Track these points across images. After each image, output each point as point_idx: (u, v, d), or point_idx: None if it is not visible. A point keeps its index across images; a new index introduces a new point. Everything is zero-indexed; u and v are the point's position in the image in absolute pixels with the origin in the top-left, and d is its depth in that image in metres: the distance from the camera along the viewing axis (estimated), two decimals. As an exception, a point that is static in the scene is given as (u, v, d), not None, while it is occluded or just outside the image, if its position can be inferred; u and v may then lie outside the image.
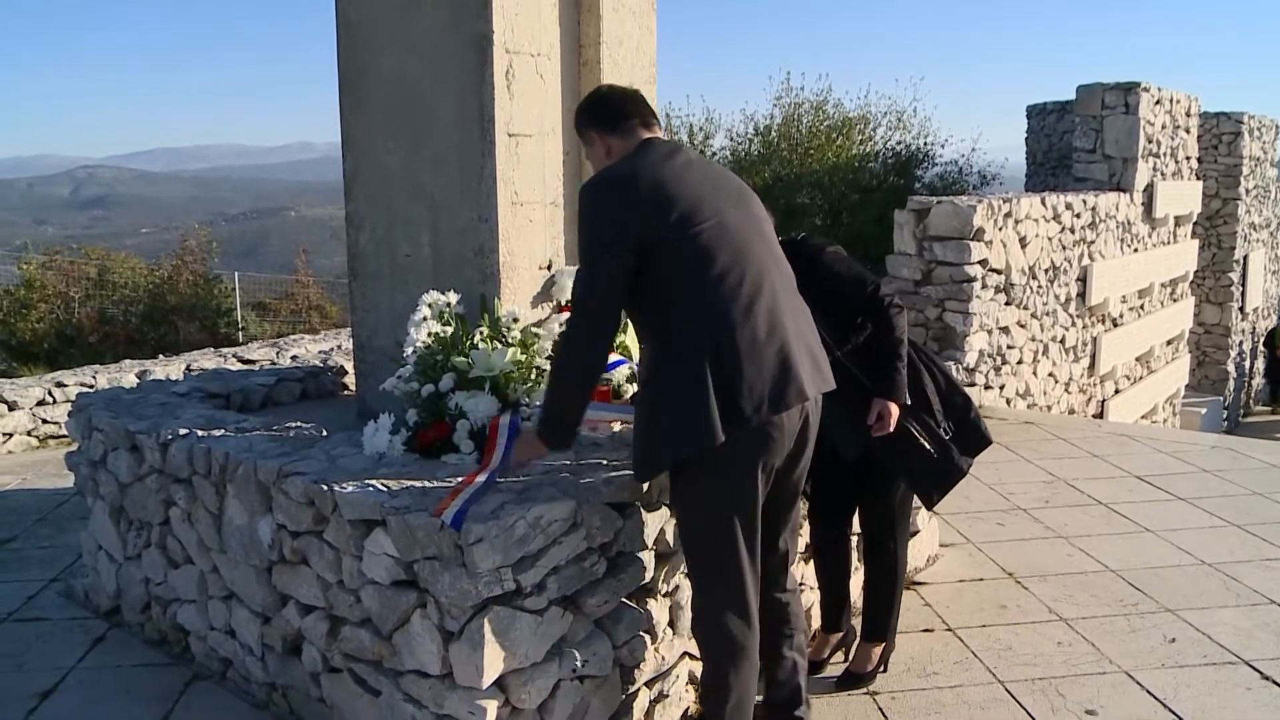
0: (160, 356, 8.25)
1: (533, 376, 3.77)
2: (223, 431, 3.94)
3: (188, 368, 6.65)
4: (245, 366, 5.34)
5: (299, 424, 4.01)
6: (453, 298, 3.81)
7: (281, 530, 3.44)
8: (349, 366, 5.23)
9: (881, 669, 3.98)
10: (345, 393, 5.25)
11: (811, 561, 4.13)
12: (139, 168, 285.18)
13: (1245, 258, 18.24)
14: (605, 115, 3.21)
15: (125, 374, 6.89)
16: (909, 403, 3.66)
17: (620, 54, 4.31)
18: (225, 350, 7.14)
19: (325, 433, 3.90)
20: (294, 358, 5.51)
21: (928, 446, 3.71)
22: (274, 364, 5.43)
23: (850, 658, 4.03)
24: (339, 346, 5.73)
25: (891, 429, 3.61)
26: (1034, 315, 9.54)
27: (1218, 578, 5.01)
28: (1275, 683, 3.99)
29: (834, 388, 3.11)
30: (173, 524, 4.02)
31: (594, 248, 2.94)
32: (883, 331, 3.64)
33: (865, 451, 3.79)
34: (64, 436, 7.80)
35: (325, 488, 3.21)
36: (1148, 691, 3.89)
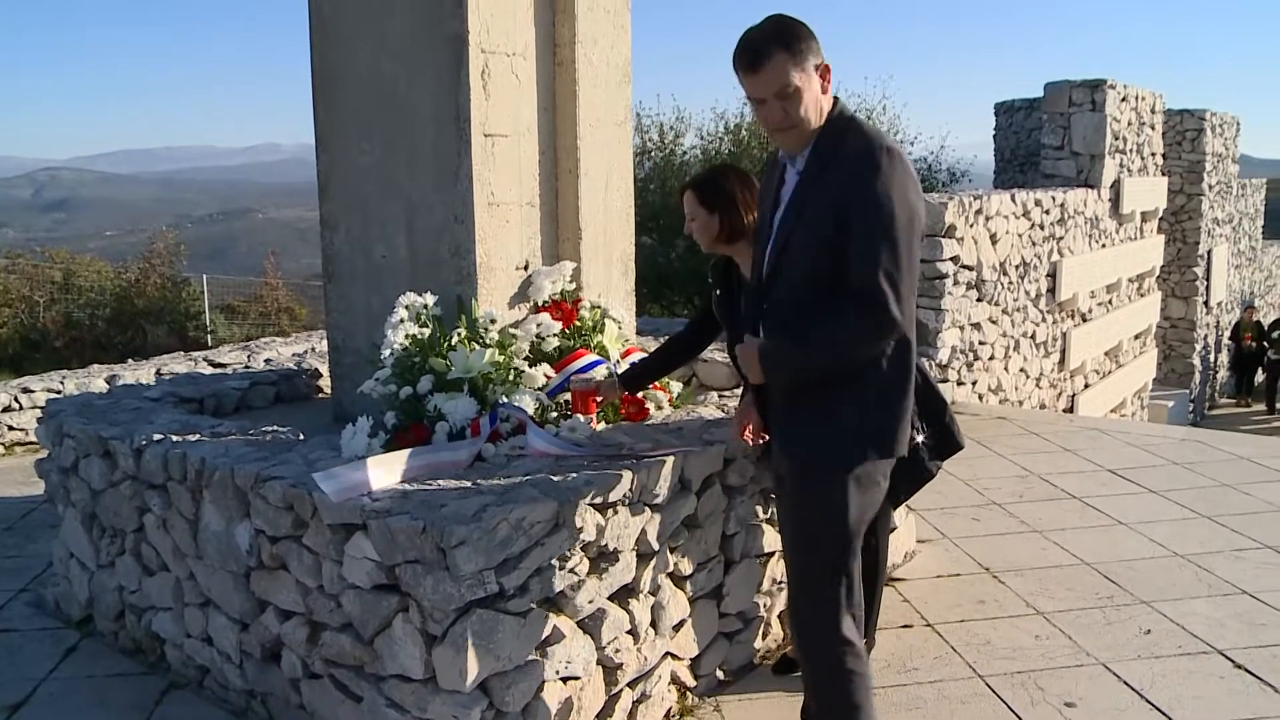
0: (129, 361, 8.17)
1: (510, 378, 3.76)
2: (198, 436, 3.91)
3: (158, 372, 6.58)
4: (217, 370, 5.29)
5: (275, 428, 3.99)
6: (429, 299, 3.80)
7: (260, 535, 3.42)
8: (323, 369, 5.20)
9: None
10: (320, 395, 5.21)
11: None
12: (102, 169, 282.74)
13: (1209, 252, 18.43)
14: (816, 47, 2.76)
15: (94, 379, 6.82)
16: None
17: (595, 53, 4.30)
18: (195, 354, 7.09)
19: (302, 436, 3.87)
20: (267, 361, 5.47)
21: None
22: (247, 367, 5.40)
23: None
24: (313, 349, 5.69)
25: None
26: (1005, 311, 9.60)
27: (1190, 569, 5.06)
28: (1247, 671, 4.03)
29: None
30: (147, 531, 3.98)
31: (904, 225, 2.69)
32: None
33: None
34: (31, 443, 7.71)
35: (304, 492, 3.19)
36: (1125, 683, 3.92)
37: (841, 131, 2.79)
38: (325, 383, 5.16)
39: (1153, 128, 13.43)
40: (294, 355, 5.59)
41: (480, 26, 3.84)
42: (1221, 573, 5.00)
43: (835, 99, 2.84)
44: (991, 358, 9.39)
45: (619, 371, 4.02)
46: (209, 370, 5.33)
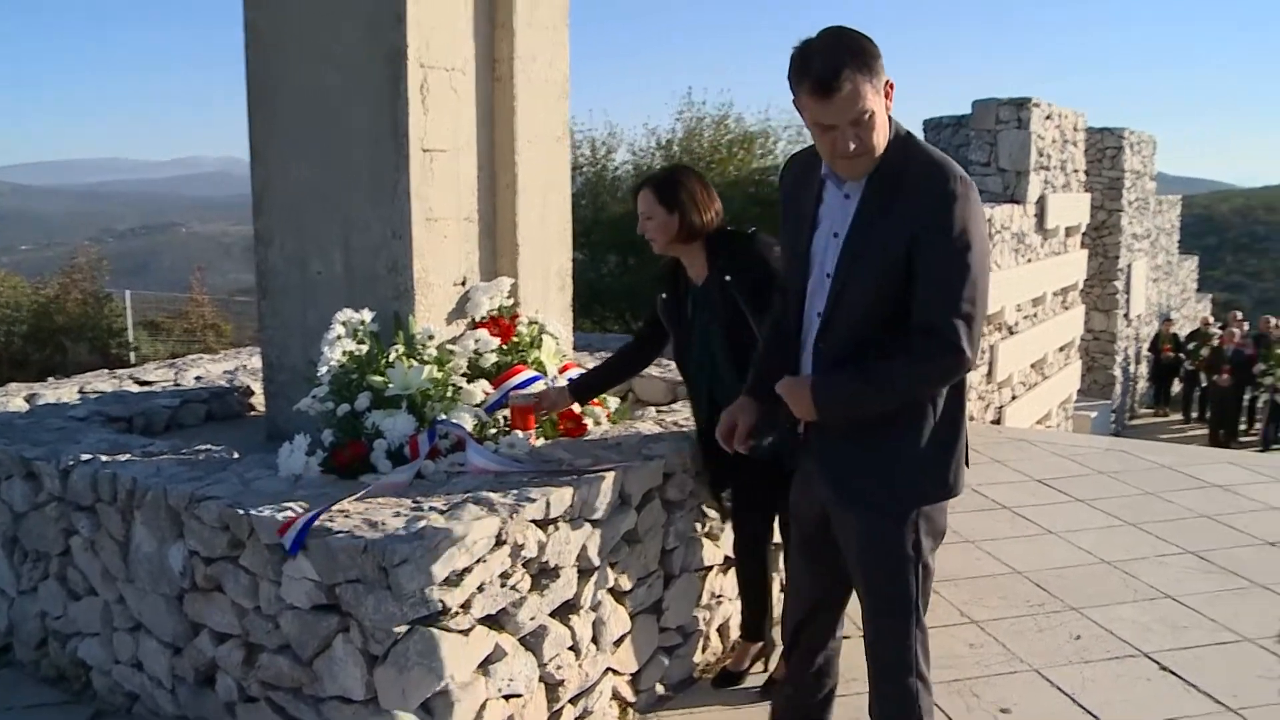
0: (50, 379, 7.98)
1: (449, 394, 3.74)
2: (128, 456, 3.82)
3: (81, 390, 6.43)
4: (144, 388, 5.18)
5: (208, 447, 3.92)
6: (367, 315, 3.77)
7: (194, 557, 3.35)
8: (256, 386, 5.13)
9: None
10: (253, 413, 5.14)
11: (733, 571, 4.16)
12: (16, 181, 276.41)
13: (1129, 266, 18.85)
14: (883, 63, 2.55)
15: (12, 398, 6.62)
16: None
17: (534, 70, 4.31)
18: (120, 371, 6.92)
19: (237, 455, 3.81)
20: (198, 378, 5.37)
21: None
22: (176, 385, 5.28)
23: (768, 668, 4.05)
24: (244, 366, 5.60)
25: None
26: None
27: (1117, 575, 5.17)
28: (1172, 673, 4.15)
29: None
30: (74, 554, 3.88)
31: (979, 261, 2.57)
32: None
33: (777, 451, 3.78)
34: (-52, 463, 7.49)
35: (241, 511, 3.14)
36: (1058, 688, 4.00)
37: (904, 154, 2.62)
38: (258, 400, 5.09)
39: (1075, 145, 13.72)
40: (225, 372, 5.50)
41: (420, 41, 3.83)
42: (1146, 578, 5.12)
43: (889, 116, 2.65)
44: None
45: (562, 383, 4.03)
46: (136, 388, 5.21)
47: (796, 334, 2.84)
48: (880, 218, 2.60)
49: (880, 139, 2.56)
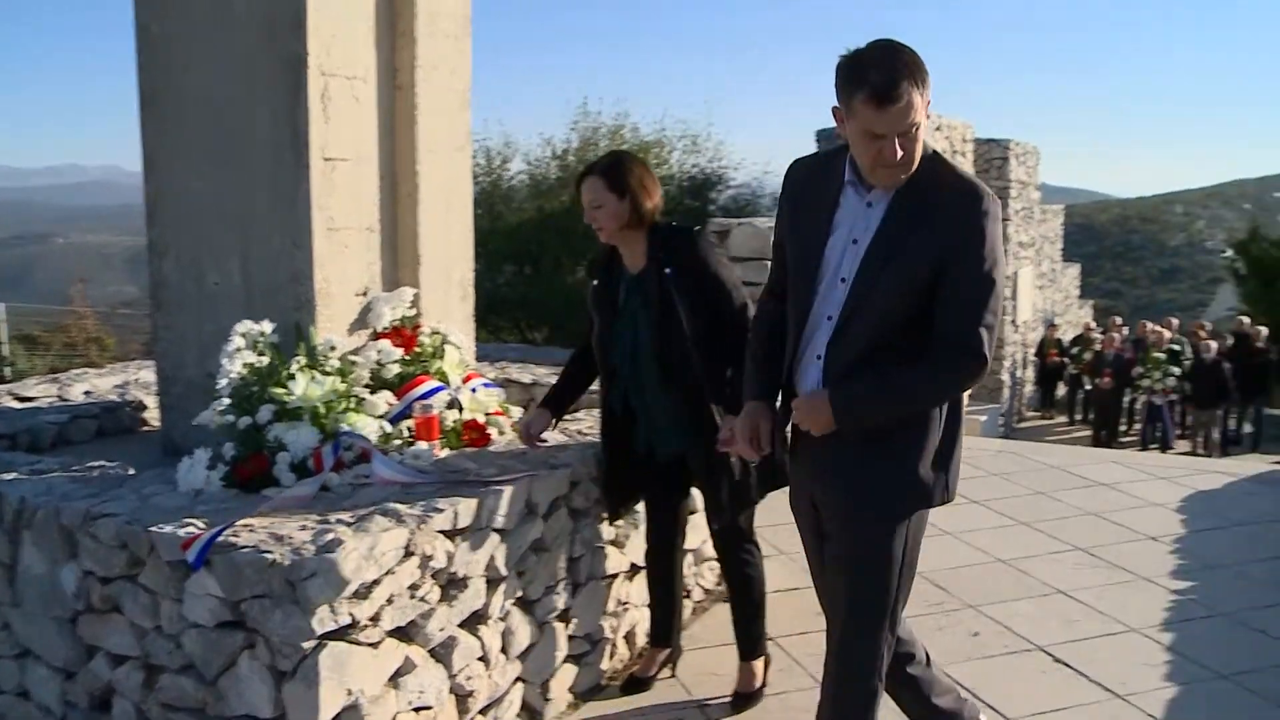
0: (-77, 396, 7.67)
1: (352, 406, 3.71)
2: (14, 474, 3.68)
3: (-42, 407, 6.21)
4: (26, 404, 5.02)
5: (102, 463, 3.81)
6: (267, 326, 3.71)
7: (89, 577, 3.25)
8: (149, 400, 5.00)
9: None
10: (146, 428, 5.01)
11: (639, 578, 4.17)
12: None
13: (1016, 274, 19.37)
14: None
15: (-115, 415, 6.38)
16: None
17: (436, 78, 4.28)
18: (-1, 388, 6.71)
19: (132, 471, 3.71)
20: (86, 393, 5.22)
21: (737, 467, 3.73)
22: (61, 400, 5.13)
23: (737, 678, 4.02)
24: (136, 380, 5.45)
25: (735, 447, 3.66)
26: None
27: (1012, 573, 5.32)
28: (1066, 664, 4.30)
29: None
30: (-47, 579, 3.73)
31: (1001, 274, 2.67)
32: (741, 350, 3.67)
33: (680, 453, 3.80)
34: None
35: (140, 528, 3.06)
36: (958, 683, 4.07)
37: (934, 170, 2.68)
38: (152, 415, 4.96)
39: (964, 155, 14.09)
40: (115, 387, 5.35)
41: (320, 48, 3.78)
42: (1040, 575, 5.28)
43: None
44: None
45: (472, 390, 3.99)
46: (17, 404, 5.04)
47: (796, 336, 2.87)
48: (910, 229, 2.65)
49: (919, 152, 2.63)
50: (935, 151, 2.71)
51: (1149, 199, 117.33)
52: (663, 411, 3.75)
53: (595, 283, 3.82)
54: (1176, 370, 17.04)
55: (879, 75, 2.50)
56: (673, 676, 4.09)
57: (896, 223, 2.67)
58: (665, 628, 4.10)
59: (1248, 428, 18.06)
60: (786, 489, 3.28)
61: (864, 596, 2.88)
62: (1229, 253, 31.18)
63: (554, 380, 5.12)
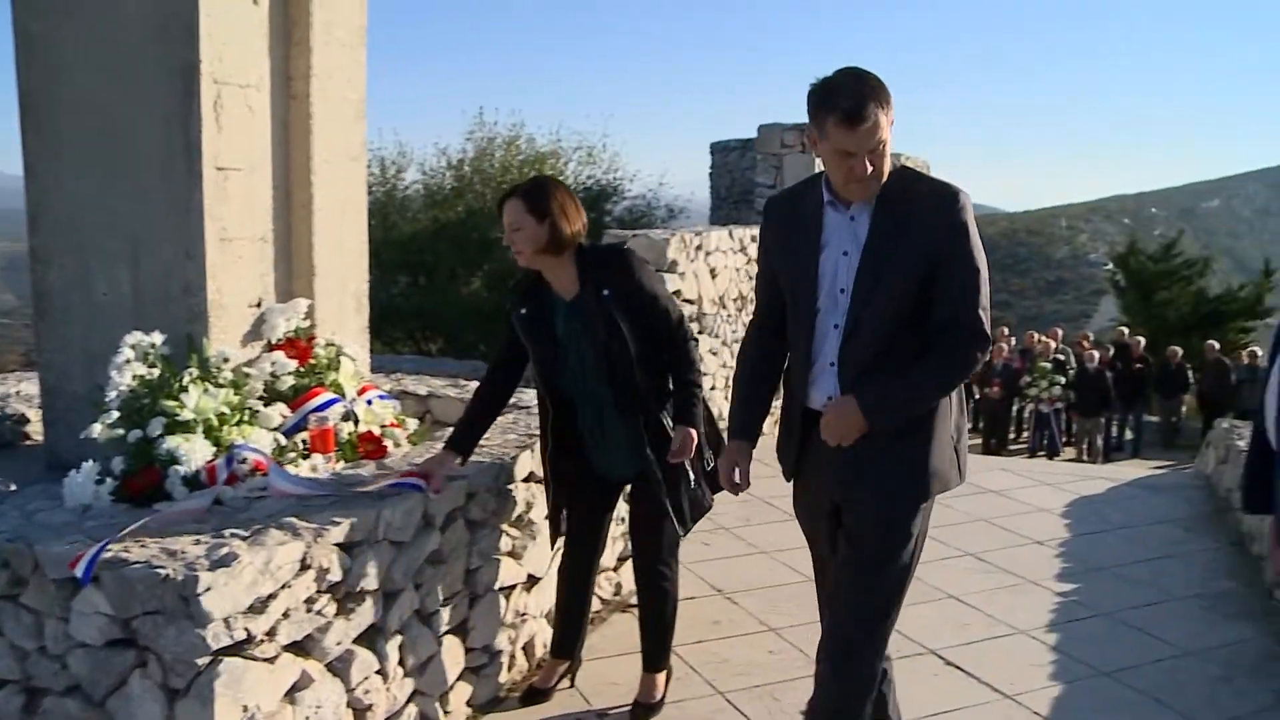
0: None
1: (246, 418, 3.66)
2: (-117, 492, 3.56)
3: None
4: (-102, 418, 4.84)
5: (-19, 479, 3.70)
6: (158, 338, 3.65)
7: (-34, 598, 3.15)
8: (31, 414, 4.86)
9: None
10: (29, 443, 4.86)
11: (536, 589, 4.18)
12: None
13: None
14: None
15: None
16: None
17: (331, 87, 4.25)
18: None
19: (14, 487, 3.61)
20: (-38, 407, 5.05)
21: (693, 476, 3.79)
22: (-63, 414, 4.96)
23: (638, 688, 4.04)
24: (17, 392, 5.29)
25: (689, 457, 3.70)
26: (725, 343, 9.99)
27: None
28: (957, 667, 4.44)
29: None
30: None
31: (984, 254, 2.93)
32: (683, 362, 3.72)
33: (634, 475, 3.84)
34: None
35: (24, 546, 2.97)
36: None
37: (903, 180, 2.92)
38: (35, 429, 4.82)
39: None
40: (-7, 400, 5.19)
41: (212, 56, 3.72)
42: (933, 580, 5.40)
43: None
44: (713, 388, 9.74)
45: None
46: (-116, 418, 4.86)
47: (806, 350, 3.05)
48: (895, 235, 2.89)
49: (887, 166, 2.88)
50: (902, 165, 2.97)
51: (1035, 212, 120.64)
52: (617, 434, 3.77)
53: (524, 311, 3.73)
54: (1062, 379, 17.52)
55: (848, 100, 2.75)
56: (571, 687, 4.10)
57: (881, 231, 2.91)
58: (570, 640, 4.10)
59: (1129, 435, 18.68)
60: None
61: (888, 583, 3.10)
62: (1110, 266, 32.16)
63: (454, 393, 5.13)
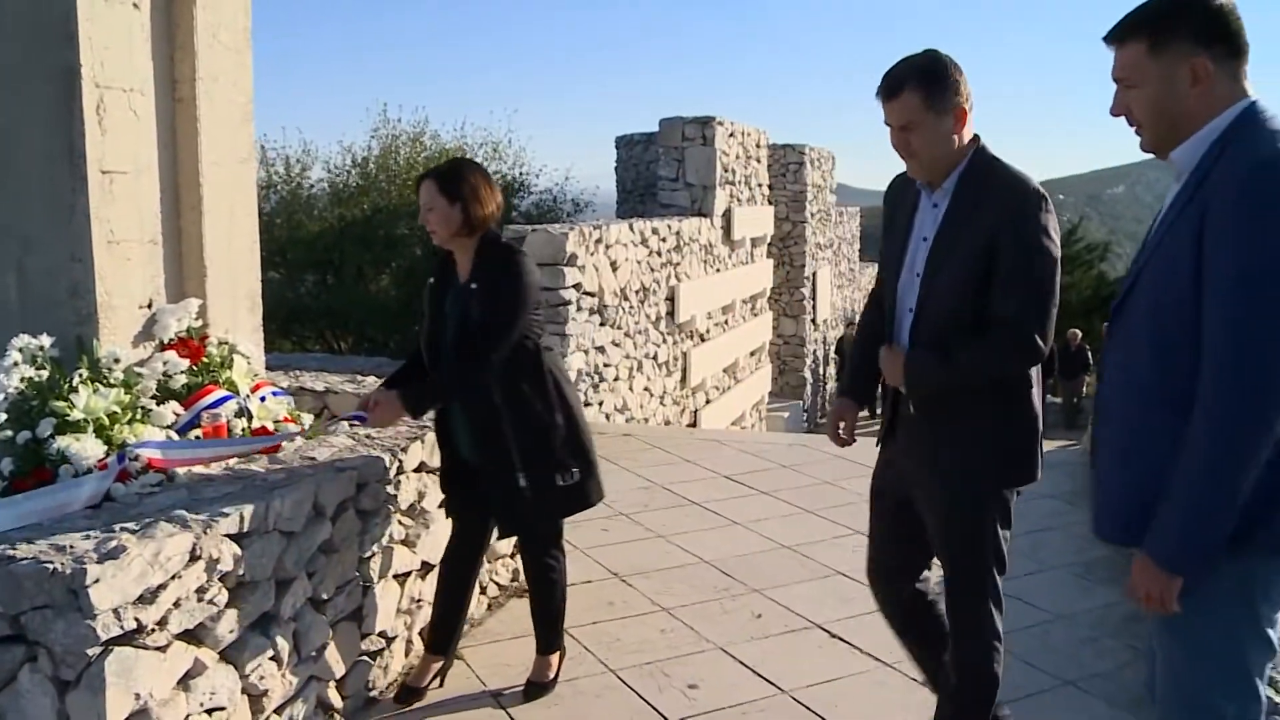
0: None
1: (138, 416, 3.73)
2: None
3: None
4: None
5: None
6: (46, 340, 3.70)
7: None
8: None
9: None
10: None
11: (431, 576, 4.28)
12: None
13: (814, 274, 20.13)
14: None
15: None
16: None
17: (217, 90, 4.31)
18: None
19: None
20: None
21: (525, 483, 3.84)
22: None
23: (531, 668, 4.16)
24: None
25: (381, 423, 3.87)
26: (627, 334, 10.16)
27: (796, 558, 5.64)
28: (840, 639, 4.64)
29: None
30: None
31: (1053, 263, 2.95)
32: (467, 363, 3.78)
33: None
34: None
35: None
36: (740, 663, 4.37)
37: (986, 171, 3.01)
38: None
39: (759, 161, 14.58)
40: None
41: (94, 60, 3.77)
42: (821, 558, 5.62)
43: (977, 138, 3.06)
44: (616, 378, 9.91)
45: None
46: None
47: (889, 329, 3.24)
48: (965, 223, 3.00)
49: (933, 150, 3.00)
50: (994, 157, 3.05)
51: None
52: (463, 421, 3.91)
53: (431, 281, 3.94)
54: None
55: (887, 75, 2.99)
56: (440, 687, 4.15)
57: (950, 218, 3.05)
58: (446, 637, 4.15)
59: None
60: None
61: (966, 571, 3.26)
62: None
63: (350, 388, 5.22)
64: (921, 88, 2.93)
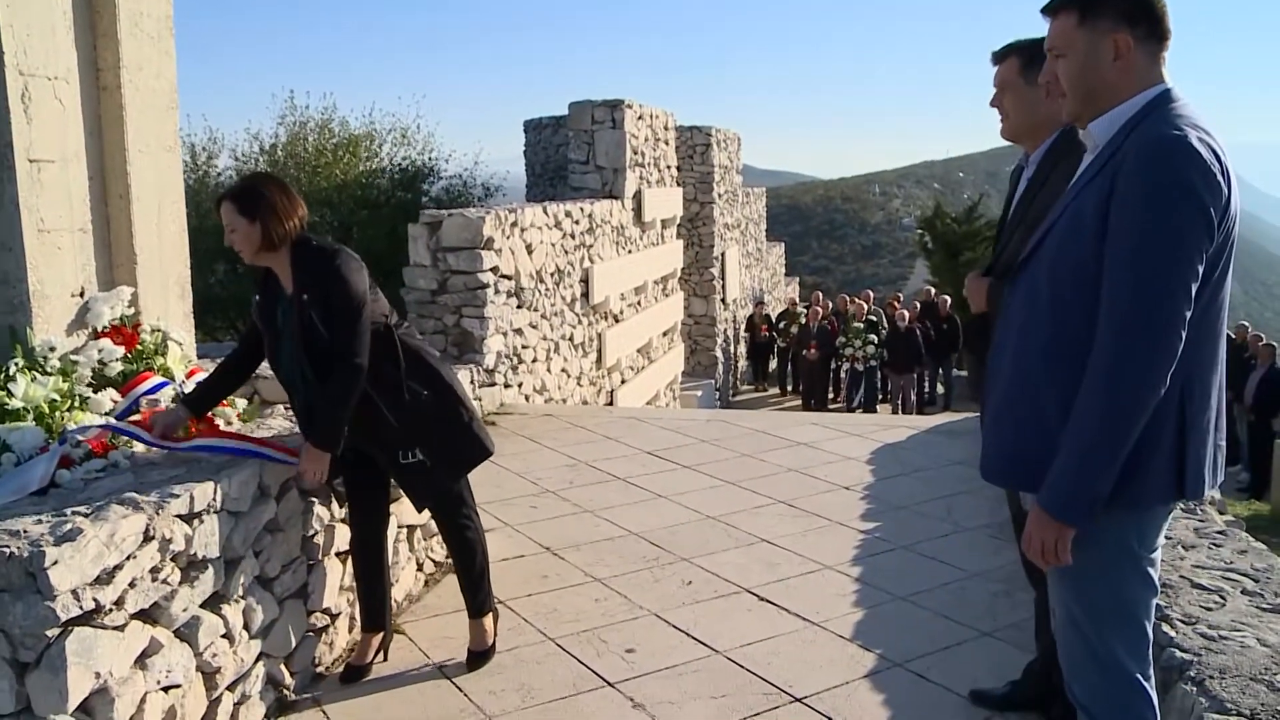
0: None
1: (77, 404, 3.76)
2: None
3: None
4: None
5: None
6: (-21, 331, 3.71)
7: None
8: None
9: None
10: None
11: (350, 563, 4.34)
12: None
13: (723, 255, 20.38)
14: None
15: None
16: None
17: (141, 79, 4.33)
18: None
19: None
20: None
21: (412, 459, 3.96)
22: None
23: (469, 637, 4.25)
24: None
25: (313, 480, 3.82)
26: (544, 316, 10.25)
27: (720, 527, 5.82)
28: (769, 601, 4.82)
29: None
30: None
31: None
32: (335, 378, 3.75)
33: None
34: None
35: None
36: (674, 626, 4.53)
37: (1069, 140, 3.00)
38: None
39: (667, 143, 14.74)
40: None
41: (16, 47, 3.78)
42: (745, 527, 5.80)
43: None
44: (535, 360, 10.01)
45: (183, 395, 4.01)
46: None
47: None
48: (1025, 201, 3.34)
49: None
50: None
51: (849, 180, 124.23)
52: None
53: (256, 298, 3.92)
54: (874, 339, 18.40)
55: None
56: (385, 661, 4.26)
57: (1022, 194, 3.44)
58: (378, 610, 4.22)
59: (940, 389, 19.74)
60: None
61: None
62: (919, 230, 33.59)
63: (267, 378, 5.26)
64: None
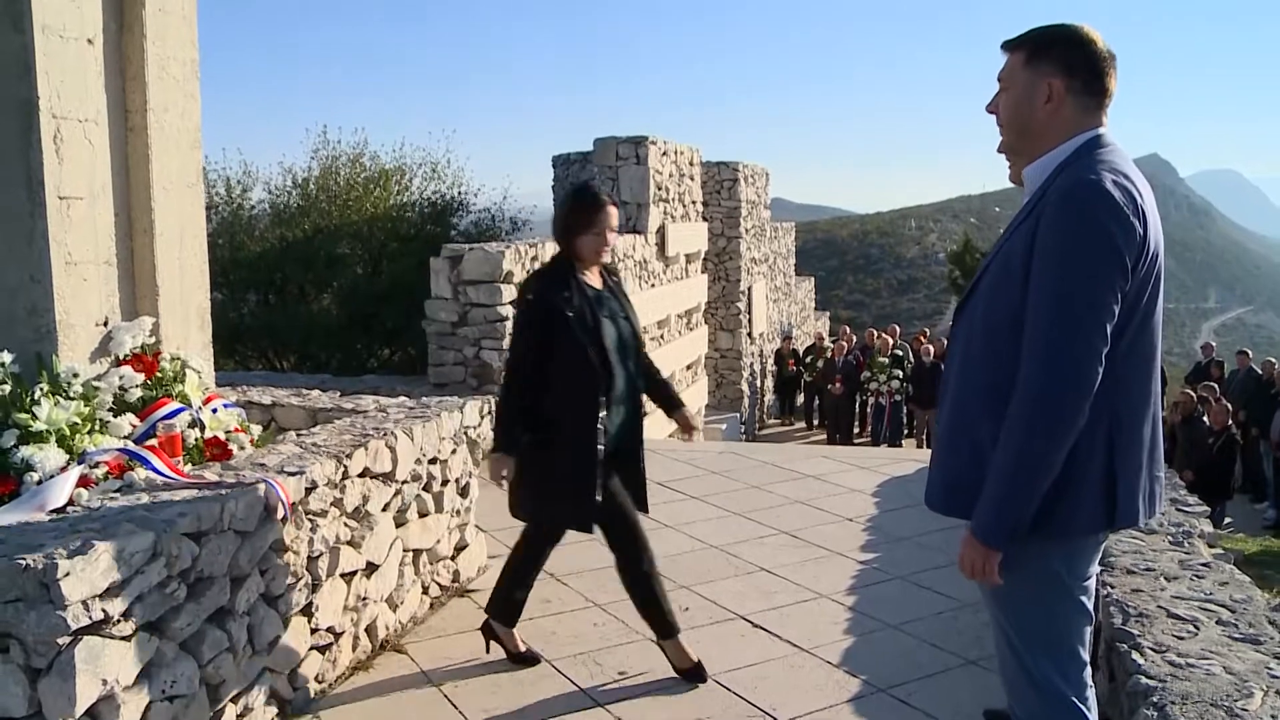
0: None
1: (97, 427, 3.96)
2: None
3: None
4: None
5: None
6: (7, 357, 3.92)
7: None
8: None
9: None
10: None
11: (376, 574, 4.54)
12: None
13: (749, 289, 20.55)
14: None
15: None
16: None
17: (167, 120, 4.56)
18: None
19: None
20: None
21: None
22: None
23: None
24: None
25: None
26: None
27: (722, 556, 5.96)
28: (762, 628, 4.96)
29: None
30: None
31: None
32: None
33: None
34: None
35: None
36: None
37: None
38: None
39: (692, 179, 14.96)
40: None
41: (50, 92, 4.01)
42: (747, 556, 5.94)
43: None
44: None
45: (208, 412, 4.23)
46: None
47: None
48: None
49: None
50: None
51: (885, 214, 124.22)
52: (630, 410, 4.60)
53: (570, 314, 4.32)
54: (900, 374, 18.47)
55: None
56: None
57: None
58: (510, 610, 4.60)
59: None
60: None
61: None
62: (949, 266, 33.65)
63: (296, 401, 5.46)
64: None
